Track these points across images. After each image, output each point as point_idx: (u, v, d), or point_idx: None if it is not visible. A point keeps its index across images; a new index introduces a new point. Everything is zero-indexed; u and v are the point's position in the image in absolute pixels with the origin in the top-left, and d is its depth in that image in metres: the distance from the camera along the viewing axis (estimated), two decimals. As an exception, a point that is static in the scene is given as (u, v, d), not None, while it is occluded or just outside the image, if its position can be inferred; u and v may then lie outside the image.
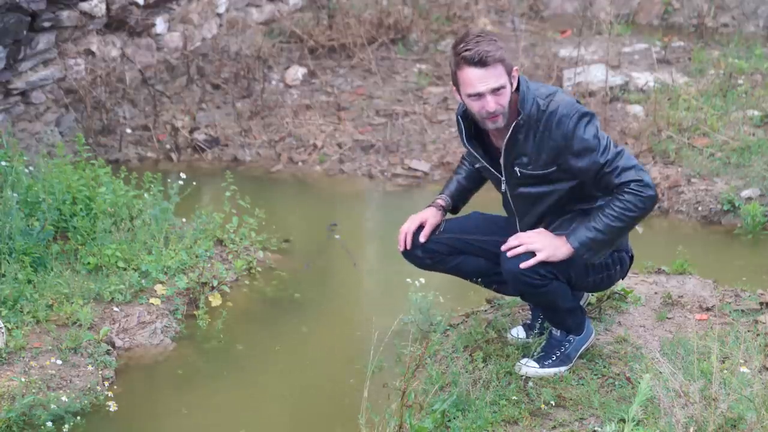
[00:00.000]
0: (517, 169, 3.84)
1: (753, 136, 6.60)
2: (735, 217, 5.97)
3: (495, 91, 3.68)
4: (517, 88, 3.78)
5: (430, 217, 4.10)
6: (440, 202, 4.17)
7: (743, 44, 8.37)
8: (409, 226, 4.09)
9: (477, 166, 4.05)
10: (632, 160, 3.74)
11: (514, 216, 4.03)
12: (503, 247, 3.84)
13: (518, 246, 3.80)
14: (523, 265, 3.77)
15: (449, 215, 4.22)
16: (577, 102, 3.80)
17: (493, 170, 3.93)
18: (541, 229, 3.87)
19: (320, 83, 8.06)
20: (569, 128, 3.71)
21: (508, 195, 3.96)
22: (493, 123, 3.76)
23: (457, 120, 3.94)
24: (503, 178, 3.91)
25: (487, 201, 4.59)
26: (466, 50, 3.67)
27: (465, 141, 3.90)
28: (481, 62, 3.65)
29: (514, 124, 3.76)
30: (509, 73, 3.72)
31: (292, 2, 9.37)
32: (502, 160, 3.85)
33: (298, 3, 9.43)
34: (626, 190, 3.71)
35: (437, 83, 8.06)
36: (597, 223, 3.75)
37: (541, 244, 3.78)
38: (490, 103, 3.69)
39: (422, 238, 4.06)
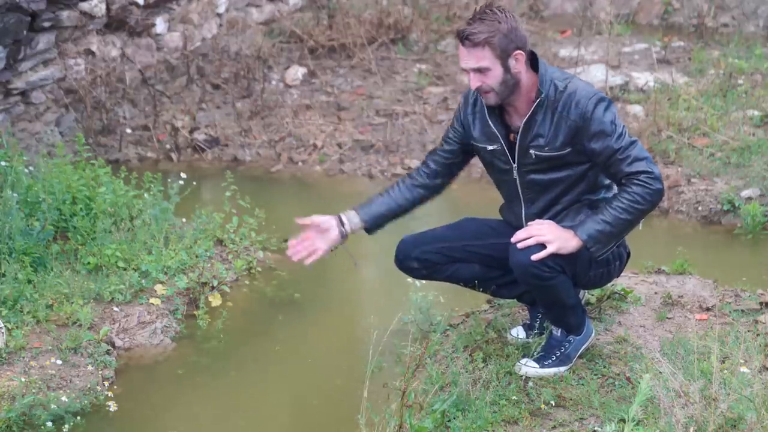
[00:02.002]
0: (532, 151, 3.84)
1: (753, 136, 6.59)
2: (735, 217, 5.97)
3: (476, 70, 3.73)
4: (536, 69, 3.80)
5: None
6: (344, 219, 4.14)
7: (743, 44, 8.37)
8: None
9: (490, 148, 3.95)
10: (645, 152, 3.75)
11: (520, 205, 3.99)
12: (513, 239, 3.82)
13: (528, 238, 3.80)
14: (535, 257, 3.76)
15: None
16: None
17: (508, 153, 3.92)
18: (550, 221, 3.86)
19: (320, 83, 8.06)
20: (588, 109, 3.73)
21: (518, 182, 3.95)
22: (485, 99, 3.82)
23: (473, 100, 3.96)
24: (515, 165, 3.91)
25: (487, 201, 4.59)
26: (466, 23, 3.74)
27: (488, 118, 3.89)
28: (463, 41, 3.72)
29: (535, 103, 3.78)
30: (504, 57, 3.72)
31: (292, 2, 9.37)
32: (518, 142, 3.86)
33: (298, 3, 9.43)
34: (636, 181, 3.71)
35: (437, 83, 8.06)
36: (605, 216, 3.75)
37: (552, 236, 3.77)
38: (473, 81, 3.76)
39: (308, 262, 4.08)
